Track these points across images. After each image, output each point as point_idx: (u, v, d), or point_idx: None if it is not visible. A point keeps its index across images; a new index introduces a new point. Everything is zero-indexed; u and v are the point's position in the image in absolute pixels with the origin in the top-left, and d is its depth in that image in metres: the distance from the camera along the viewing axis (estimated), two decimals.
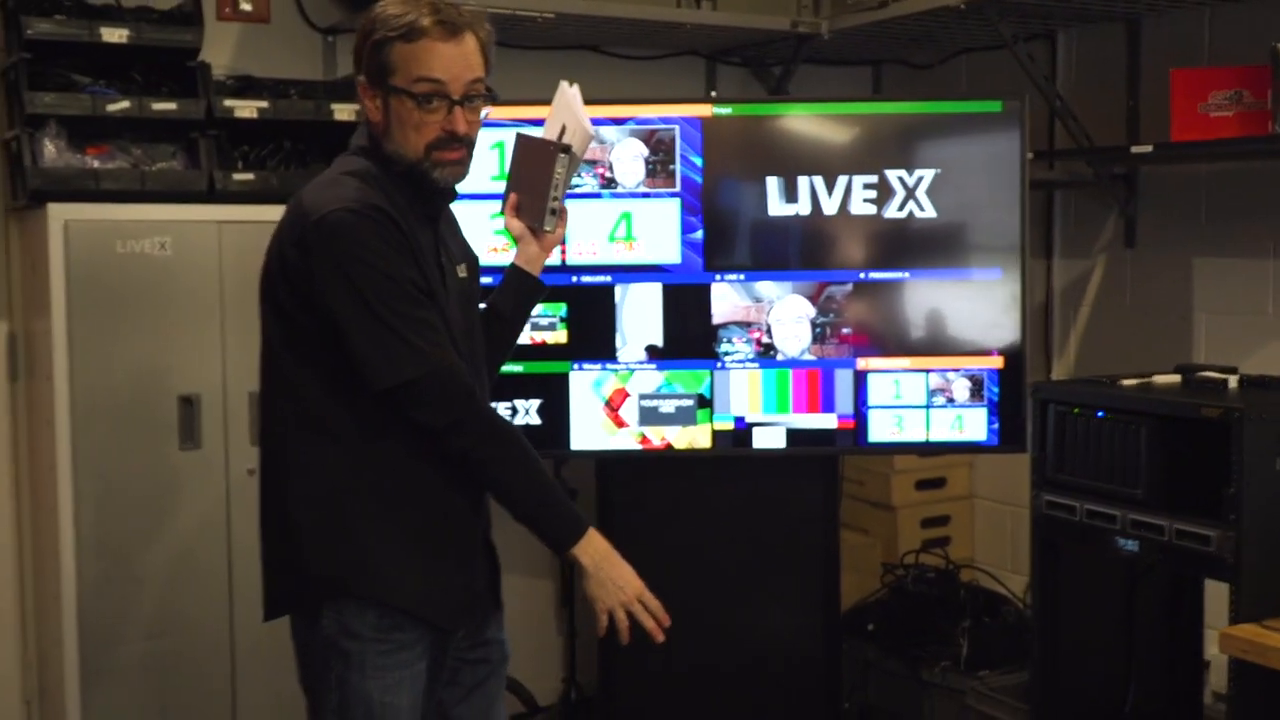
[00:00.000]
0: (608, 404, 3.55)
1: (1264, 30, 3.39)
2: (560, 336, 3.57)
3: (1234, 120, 3.33)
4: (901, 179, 3.57)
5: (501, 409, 3.57)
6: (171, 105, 3.44)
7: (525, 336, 3.55)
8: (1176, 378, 3.23)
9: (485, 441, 2.23)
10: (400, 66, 2.20)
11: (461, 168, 2.29)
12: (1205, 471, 2.82)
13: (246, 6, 3.85)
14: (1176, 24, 3.81)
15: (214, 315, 3.46)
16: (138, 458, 3.40)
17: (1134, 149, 3.62)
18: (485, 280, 2.59)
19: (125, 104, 3.39)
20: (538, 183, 2.51)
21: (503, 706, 2.55)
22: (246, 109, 3.51)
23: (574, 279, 3.55)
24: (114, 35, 3.39)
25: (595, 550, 2.25)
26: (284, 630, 3.61)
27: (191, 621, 3.48)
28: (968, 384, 3.59)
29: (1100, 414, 3.07)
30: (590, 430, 3.57)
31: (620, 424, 3.57)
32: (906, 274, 3.60)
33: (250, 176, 3.52)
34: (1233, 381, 3.10)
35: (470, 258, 2.48)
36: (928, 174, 3.56)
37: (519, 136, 2.60)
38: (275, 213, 3.47)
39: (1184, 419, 2.91)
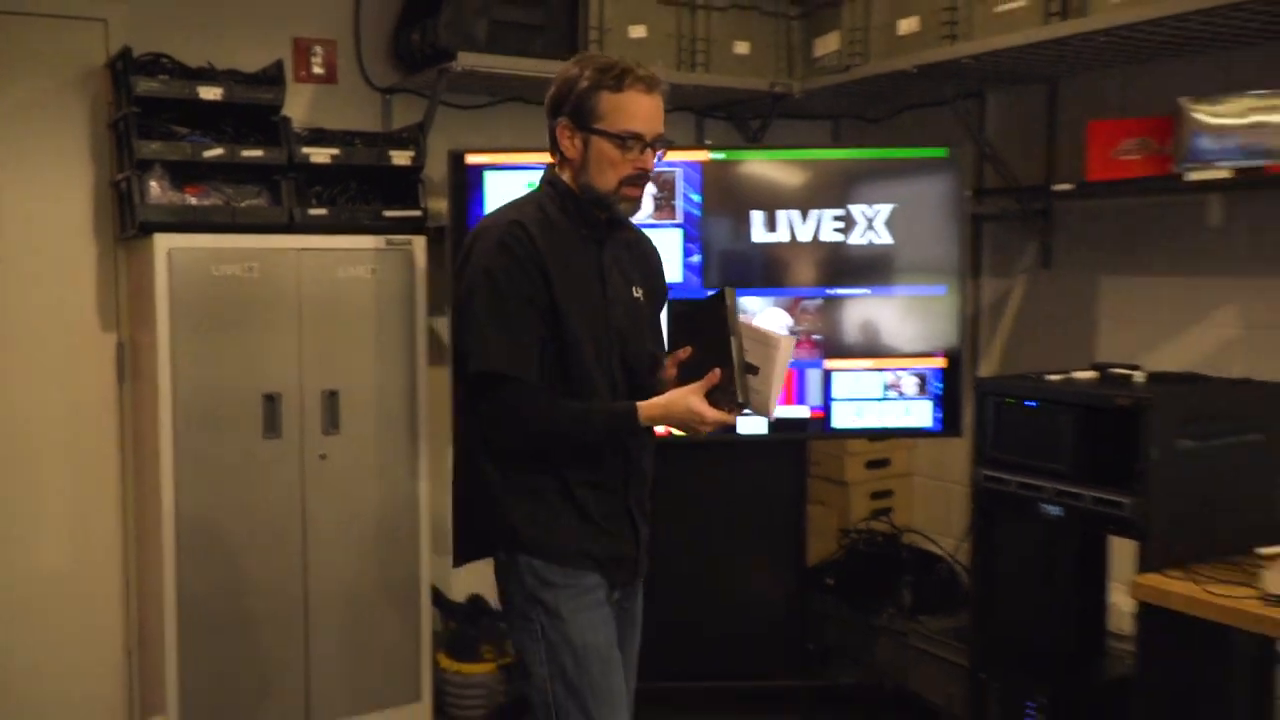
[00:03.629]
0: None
1: (1163, 88, 3.41)
2: None
3: (1140, 163, 3.32)
4: (864, 212, 3.63)
5: None
6: (259, 152, 3.45)
7: None
8: (1093, 373, 3.22)
9: (532, 438, 2.19)
10: (608, 113, 2.19)
11: (639, 202, 2.28)
12: (1118, 450, 2.82)
13: (319, 70, 3.87)
14: (1088, 83, 3.82)
15: (294, 326, 3.48)
16: (228, 446, 3.42)
17: (1056, 188, 3.64)
18: None
19: (220, 151, 3.41)
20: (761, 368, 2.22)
21: (632, 657, 2.44)
22: (321, 155, 3.53)
23: None
24: (210, 94, 3.42)
25: (652, 419, 2.18)
26: (347, 589, 3.67)
27: (272, 583, 3.51)
28: (916, 380, 3.66)
29: (1031, 403, 3.06)
30: None
31: None
32: (868, 290, 3.65)
33: (324, 211, 3.54)
34: (1139, 376, 3.12)
35: (652, 286, 2.41)
36: (885, 208, 3.63)
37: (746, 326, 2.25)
38: (345, 241, 3.60)
39: (1101, 407, 2.89)
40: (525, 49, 3.71)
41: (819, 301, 3.66)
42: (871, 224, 3.64)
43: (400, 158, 3.65)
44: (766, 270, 3.67)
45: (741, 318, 2.20)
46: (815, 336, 3.63)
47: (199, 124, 3.48)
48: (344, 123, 3.79)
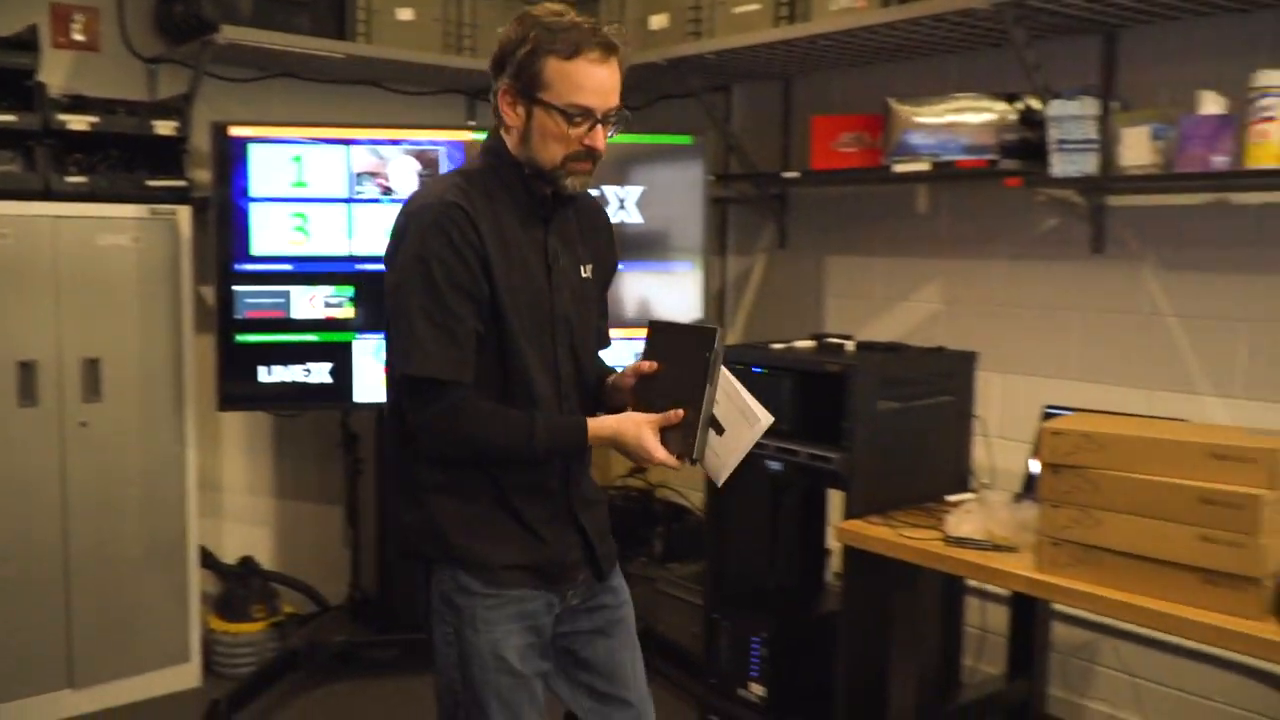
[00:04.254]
0: (386, 365, 3.58)
1: (879, 89, 3.58)
2: (348, 312, 3.60)
3: (856, 155, 3.51)
4: (616, 193, 3.72)
5: (297, 372, 3.60)
6: (12, 118, 3.29)
7: (319, 312, 3.60)
8: (812, 343, 3.33)
9: (468, 450, 1.91)
10: (554, 83, 1.85)
11: (590, 177, 1.95)
12: (830, 411, 2.92)
13: (79, 36, 3.68)
14: (817, 82, 4.02)
15: (50, 294, 3.36)
16: None
17: (785, 175, 3.83)
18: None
19: None
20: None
21: (633, 653, 2.15)
22: (79, 122, 3.39)
23: (356, 267, 3.59)
24: None
25: (600, 439, 1.94)
26: (109, 554, 3.57)
27: (30, 549, 3.40)
28: None
29: (757, 369, 3.13)
30: (371, 387, 3.61)
31: None
32: (620, 266, 3.73)
33: (82, 179, 3.41)
34: (850, 345, 3.24)
35: (602, 258, 2.12)
36: (636, 190, 3.73)
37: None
38: (103, 210, 3.49)
39: (815, 373, 3.00)
40: (290, 25, 3.64)
41: None
42: (624, 205, 3.75)
43: (164, 128, 3.54)
44: None
45: (725, 373, 1.93)
46: None
47: None
48: (107, 91, 3.63)
